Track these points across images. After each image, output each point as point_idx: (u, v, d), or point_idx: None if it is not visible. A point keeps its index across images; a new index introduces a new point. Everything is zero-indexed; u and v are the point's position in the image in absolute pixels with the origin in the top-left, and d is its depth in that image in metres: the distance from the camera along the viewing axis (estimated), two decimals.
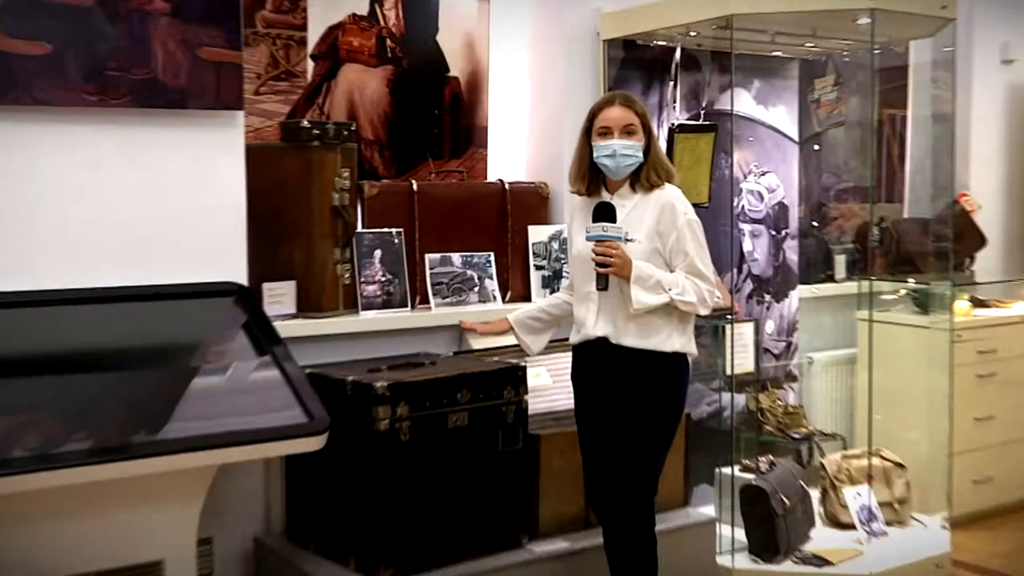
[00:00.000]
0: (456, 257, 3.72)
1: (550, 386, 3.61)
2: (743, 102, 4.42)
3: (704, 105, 4.22)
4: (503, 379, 3.17)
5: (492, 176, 4.04)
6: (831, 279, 4.81)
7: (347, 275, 3.44)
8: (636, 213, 2.95)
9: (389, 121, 3.82)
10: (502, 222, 3.85)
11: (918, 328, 4.29)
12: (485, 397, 3.13)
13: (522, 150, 4.17)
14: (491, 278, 3.77)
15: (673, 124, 4.01)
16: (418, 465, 3.00)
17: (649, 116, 3.02)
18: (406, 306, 3.58)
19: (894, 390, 4.13)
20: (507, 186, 3.87)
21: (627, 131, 2.93)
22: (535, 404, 3.49)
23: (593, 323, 2.95)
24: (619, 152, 2.92)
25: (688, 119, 4.17)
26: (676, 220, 2.92)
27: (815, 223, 4.89)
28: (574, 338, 3.06)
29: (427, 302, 3.65)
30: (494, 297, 3.76)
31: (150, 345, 2.84)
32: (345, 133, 3.39)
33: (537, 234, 3.90)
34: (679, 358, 2.96)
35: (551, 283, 3.90)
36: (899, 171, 5.13)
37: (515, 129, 4.16)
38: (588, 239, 2.90)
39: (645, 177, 2.96)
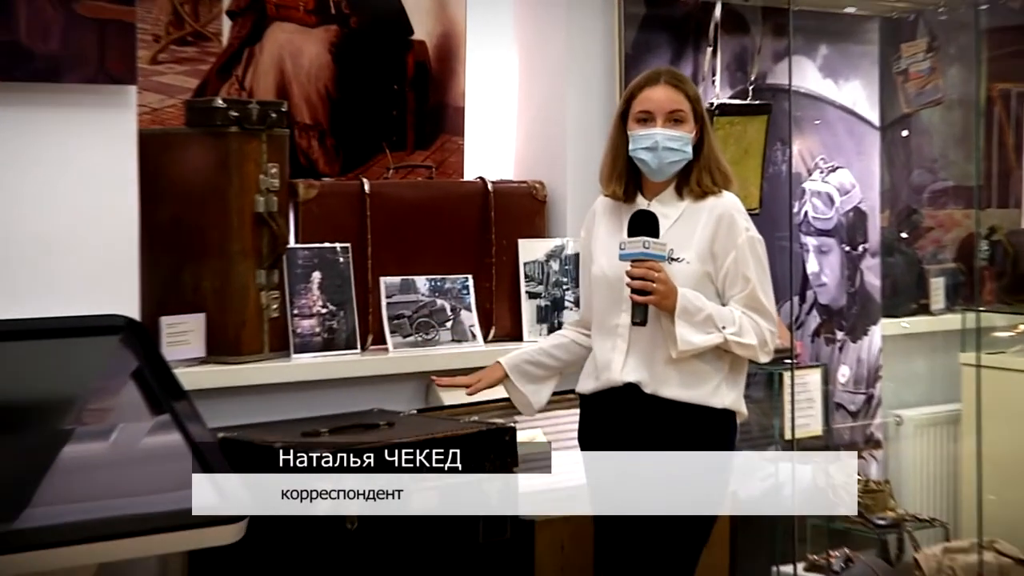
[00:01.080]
0: (422, 282, 3.71)
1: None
2: (806, 75, 4.44)
3: (753, 79, 4.23)
4: (485, 445, 3.15)
5: (470, 173, 4.03)
6: (925, 310, 4.81)
7: (275, 306, 3.43)
8: (684, 226, 2.96)
9: (332, 100, 3.82)
10: (484, 235, 3.84)
11: None
12: (462, 470, 3.09)
13: (510, 139, 4.17)
14: (469, 309, 3.75)
15: (711, 104, 4.02)
16: (371, 563, 2.96)
17: (703, 101, 3.04)
18: (354, 347, 3.57)
19: (1012, 460, 4.11)
20: (490, 187, 3.87)
21: (674, 118, 2.96)
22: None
23: (620, 366, 2.95)
24: (662, 144, 2.94)
25: (732, 98, 4.18)
26: (735, 237, 2.93)
27: (903, 235, 4.89)
28: (587, 385, 3.05)
29: (383, 342, 3.63)
30: (473, 335, 3.75)
31: (7, 401, 2.81)
32: (273, 116, 3.38)
33: (530, 251, 3.89)
34: (728, 418, 2.96)
35: (549, 316, 3.89)
36: (1015, 166, 5.14)
37: (501, 111, 4.16)
38: (623, 257, 2.90)
39: (696, 180, 2.98)
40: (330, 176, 3.79)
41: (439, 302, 3.71)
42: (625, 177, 3.03)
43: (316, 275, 3.53)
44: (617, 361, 2.96)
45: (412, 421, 3.33)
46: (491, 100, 4.14)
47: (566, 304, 3.90)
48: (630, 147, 2.98)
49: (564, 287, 3.91)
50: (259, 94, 3.66)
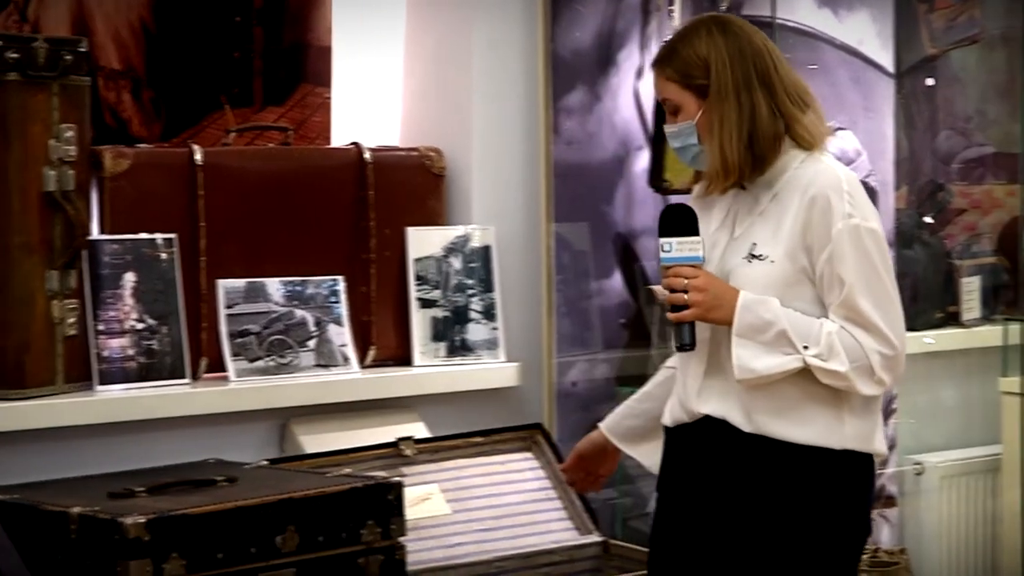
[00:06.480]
0: (275, 286, 3.72)
1: (448, 517, 3.61)
2: (796, 2, 4.48)
3: (725, 8, 4.26)
4: (360, 507, 3.15)
5: (341, 138, 4.05)
6: (955, 320, 4.87)
7: (72, 320, 3.42)
8: (771, 213, 3.02)
9: (150, 36, 3.81)
10: (359, 221, 3.86)
11: None
12: (328, 541, 3.11)
13: (396, 91, 4.19)
14: (339, 323, 3.77)
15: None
16: None
17: (712, 59, 2.98)
18: (182, 376, 3.57)
19: None
20: (368, 156, 3.88)
21: (670, 110, 3.07)
22: (422, 552, 3.48)
23: (696, 390, 3.02)
24: (672, 144, 3.11)
25: None
26: (830, 226, 2.96)
27: (926, 219, 4.95)
28: (666, 415, 3.12)
29: (222, 368, 3.64)
30: (344, 358, 3.76)
31: None
32: (68, 58, 3.38)
33: (423, 243, 3.92)
34: (859, 462, 3.00)
35: (448, 332, 3.91)
36: None
37: (382, 54, 4.18)
38: (663, 262, 3.00)
39: (761, 150, 3.03)
40: (148, 141, 3.77)
41: (299, 313, 3.72)
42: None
43: (129, 277, 3.52)
44: (691, 385, 3.03)
45: (261, 476, 3.33)
46: (369, 38, 4.15)
47: (471, 315, 3.93)
48: None
49: (469, 292, 3.93)
50: (47, 28, 3.63)
